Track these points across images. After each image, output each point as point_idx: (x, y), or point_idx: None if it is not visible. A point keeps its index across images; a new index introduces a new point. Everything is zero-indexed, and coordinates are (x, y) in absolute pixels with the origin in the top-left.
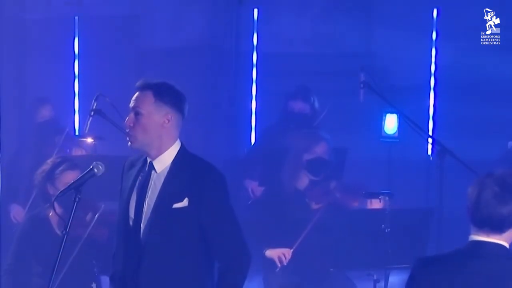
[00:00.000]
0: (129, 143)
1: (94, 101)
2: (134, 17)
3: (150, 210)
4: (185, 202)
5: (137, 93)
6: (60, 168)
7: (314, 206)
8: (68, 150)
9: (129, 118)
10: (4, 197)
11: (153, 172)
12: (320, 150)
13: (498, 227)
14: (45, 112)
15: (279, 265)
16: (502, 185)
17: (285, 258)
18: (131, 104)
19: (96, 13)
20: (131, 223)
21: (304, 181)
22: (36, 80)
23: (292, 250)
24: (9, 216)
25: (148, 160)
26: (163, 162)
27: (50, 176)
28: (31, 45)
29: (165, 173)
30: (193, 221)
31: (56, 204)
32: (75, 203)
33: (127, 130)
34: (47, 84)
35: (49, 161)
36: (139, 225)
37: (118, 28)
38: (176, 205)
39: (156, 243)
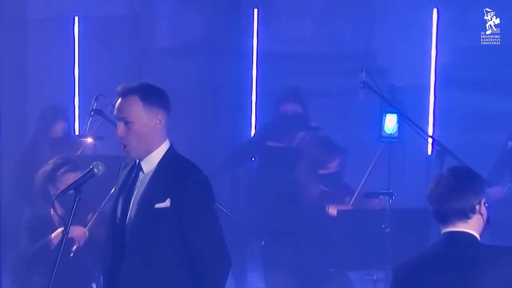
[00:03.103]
0: (127, 153)
1: (94, 101)
2: (134, 17)
3: (134, 210)
4: (167, 203)
5: (121, 100)
6: (62, 170)
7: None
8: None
9: (120, 129)
10: (5, 198)
11: (141, 172)
12: (334, 165)
13: (462, 215)
14: (58, 128)
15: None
16: (455, 175)
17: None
18: (118, 114)
19: (96, 13)
20: (117, 222)
21: (315, 190)
22: (36, 80)
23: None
24: (9, 215)
25: (137, 160)
26: (151, 162)
27: (52, 177)
28: (31, 45)
29: (151, 174)
30: (175, 222)
31: (57, 205)
32: (75, 203)
33: (120, 141)
34: (47, 84)
35: (51, 162)
36: (124, 224)
37: (118, 28)
38: (158, 205)
39: (137, 242)
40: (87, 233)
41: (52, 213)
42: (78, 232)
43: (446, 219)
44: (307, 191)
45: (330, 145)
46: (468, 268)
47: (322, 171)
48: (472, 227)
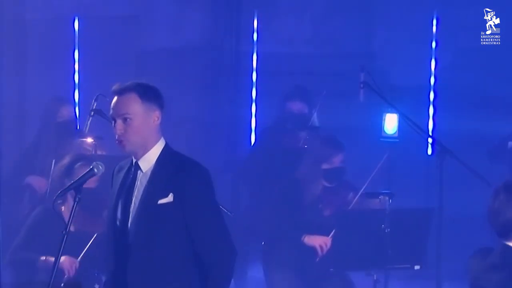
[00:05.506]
0: (122, 147)
1: (94, 101)
2: (134, 17)
3: (136, 208)
4: (170, 198)
5: (118, 98)
6: (79, 163)
7: (326, 212)
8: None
9: (119, 126)
10: (5, 195)
11: (139, 171)
12: (338, 160)
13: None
14: (65, 112)
15: (320, 254)
16: (506, 189)
17: (326, 246)
18: (116, 111)
19: (96, 13)
20: (118, 223)
21: (318, 186)
22: (36, 80)
23: (330, 237)
24: (9, 214)
25: (134, 160)
26: (149, 160)
27: (69, 171)
28: (31, 45)
29: (151, 171)
30: (179, 216)
31: (70, 199)
32: (75, 203)
33: (118, 138)
34: (47, 84)
35: (67, 157)
36: (126, 224)
37: (118, 28)
38: (161, 201)
39: (143, 240)
40: (77, 265)
41: (63, 209)
42: (68, 263)
43: (499, 233)
44: (310, 188)
45: (334, 140)
46: None
47: (325, 166)
48: None
